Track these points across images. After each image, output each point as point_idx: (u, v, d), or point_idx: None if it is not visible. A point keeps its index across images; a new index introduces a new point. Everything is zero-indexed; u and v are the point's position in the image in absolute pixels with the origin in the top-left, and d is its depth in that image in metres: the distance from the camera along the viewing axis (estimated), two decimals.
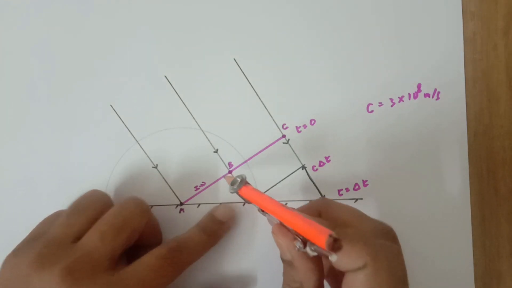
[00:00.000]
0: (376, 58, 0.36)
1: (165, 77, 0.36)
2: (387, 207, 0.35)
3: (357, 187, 0.35)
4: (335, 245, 0.22)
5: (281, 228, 0.27)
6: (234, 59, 0.36)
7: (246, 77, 0.35)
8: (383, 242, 0.24)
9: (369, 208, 0.35)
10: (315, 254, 0.24)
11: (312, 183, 0.35)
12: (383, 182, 0.35)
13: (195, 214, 0.35)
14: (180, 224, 0.35)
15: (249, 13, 0.36)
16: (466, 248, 0.36)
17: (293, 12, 0.35)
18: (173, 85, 0.36)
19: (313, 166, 0.35)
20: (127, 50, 0.36)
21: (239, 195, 0.29)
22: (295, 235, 0.25)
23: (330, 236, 0.22)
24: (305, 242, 0.25)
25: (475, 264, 0.37)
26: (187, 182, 0.35)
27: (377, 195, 0.35)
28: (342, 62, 0.36)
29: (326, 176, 0.35)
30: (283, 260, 0.27)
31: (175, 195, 0.36)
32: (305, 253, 0.25)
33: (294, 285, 0.26)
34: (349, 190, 0.35)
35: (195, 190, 0.35)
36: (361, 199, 0.35)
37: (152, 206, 0.35)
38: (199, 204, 0.35)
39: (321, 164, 0.35)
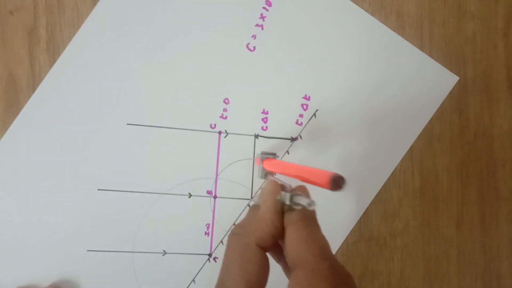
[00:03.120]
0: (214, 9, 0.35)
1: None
2: (341, 97, 0.36)
3: (305, 106, 0.36)
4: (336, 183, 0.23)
5: (275, 180, 0.28)
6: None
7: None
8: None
9: (329, 109, 0.36)
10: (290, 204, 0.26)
11: (276, 139, 0.36)
12: (320, 86, 0.36)
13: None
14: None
15: None
16: None
17: None
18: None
19: (261, 127, 0.35)
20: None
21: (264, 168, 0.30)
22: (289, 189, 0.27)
23: (333, 176, 0.22)
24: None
25: (475, 264, 0.37)
26: (196, 235, 0.35)
27: (325, 96, 0.36)
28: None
29: (278, 124, 0.36)
30: (252, 206, 0.28)
31: (197, 254, 0.35)
32: (278, 206, 0.26)
33: (239, 230, 0.26)
34: (302, 115, 0.36)
35: (208, 236, 0.35)
36: (317, 110, 0.36)
37: (194, 280, 0.35)
38: (222, 241, 0.35)
39: (265, 120, 0.35)
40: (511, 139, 0.37)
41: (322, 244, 0.24)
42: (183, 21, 0.35)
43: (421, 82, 0.36)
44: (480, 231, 0.37)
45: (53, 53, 0.34)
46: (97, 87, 0.34)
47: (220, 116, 0.35)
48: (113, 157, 0.34)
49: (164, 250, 0.35)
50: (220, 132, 0.35)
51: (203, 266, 0.35)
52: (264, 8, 0.35)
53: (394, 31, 0.36)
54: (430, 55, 0.36)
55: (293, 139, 0.36)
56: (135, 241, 0.34)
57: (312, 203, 0.25)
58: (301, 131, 0.36)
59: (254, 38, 0.35)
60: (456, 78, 0.36)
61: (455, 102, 0.37)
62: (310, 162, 0.36)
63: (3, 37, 0.34)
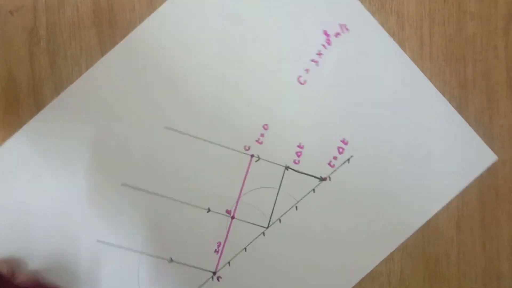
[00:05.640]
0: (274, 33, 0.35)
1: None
2: (378, 149, 0.36)
3: (341, 150, 0.36)
4: None
5: None
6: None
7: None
8: None
9: (363, 158, 0.36)
10: None
11: (305, 175, 0.36)
12: (360, 134, 0.36)
13: (232, 274, 0.35)
14: None
15: None
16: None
17: None
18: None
19: (294, 160, 0.35)
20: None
21: None
22: None
23: None
24: None
25: (475, 264, 0.37)
26: (205, 251, 0.35)
27: (362, 145, 0.36)
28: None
29: (310, 160, 0.35)
30: None
31: (202, 269, 0.35)
32: None
33: None
34: (336, 157, 0.36)
35: (217, 254, 0.35)
36: (352, 156, 0.36)
37: None
38: (229, 262, 0.35)
39: (299, 154, 0.35)
40: (511, 139, 0.37)
41: None
42: (242, 38, 0.35)
43: (459, 152, 0.36)
44: (480, 231, 0.37)
45: (53, 53, 0.34)
46: (143, 86, 0.35)
47: (256, 140, 0.35)
48: (142, 155, 0.35)
49: (171, 258, 0.35)
50: (252, 156, 0.35)
51: (205, 282, 0.35)
52: (323, 45, 0.36)
53: (394, 31, 0.36)
54: (430, 55, 0.36)
55: (321, 179, 0.36)
56: (145, 242, 0.35)
57: None
58: (331, 173, 0.36)
59: (307, 72, 0.35)
60: (494, 158, 0.36)
61: (455, 102, 0.37)
62: (332, 205, 0.36)
63: (3, 37, 0.34)
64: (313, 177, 0.36)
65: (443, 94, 0.36)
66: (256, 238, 0.35)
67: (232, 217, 0.35)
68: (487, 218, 0.37)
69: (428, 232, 0.37)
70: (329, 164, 0.36)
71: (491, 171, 0.37)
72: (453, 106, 0.36)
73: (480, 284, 0.37)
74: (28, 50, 0.34)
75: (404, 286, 0.36)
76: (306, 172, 0.36)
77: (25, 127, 0.34)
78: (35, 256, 0.34)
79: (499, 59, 0.37)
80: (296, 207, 0.35)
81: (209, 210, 0.35)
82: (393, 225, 0.36)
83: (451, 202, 0.37)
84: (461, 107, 0.37)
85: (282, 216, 0.35)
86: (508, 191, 0.37)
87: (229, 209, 0.35)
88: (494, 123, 0.37)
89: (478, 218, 0.37)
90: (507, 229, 0.37)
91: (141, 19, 0.35)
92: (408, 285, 0.37)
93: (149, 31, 0.35)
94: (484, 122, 0.37)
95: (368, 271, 0.36)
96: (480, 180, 0.37)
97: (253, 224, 0.35)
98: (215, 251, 0.35)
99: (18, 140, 0.34)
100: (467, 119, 0.36)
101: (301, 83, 0.36)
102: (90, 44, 0.35)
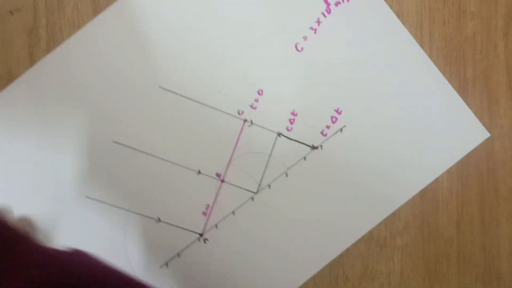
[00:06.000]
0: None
1: None
2: (371, 120, 0.36)
3: (334, 119, 0.36)
4: None
5: None
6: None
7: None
8: None
9: (356, 128, 0.36)
10: None
11: (297, 142, 0.36)
12: (354, 104, 0.36)
13: (219, 237, 0.35)
14: (213, 253, 0.35)
15: None
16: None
17: None
18: None
19: (287, 127, 0.35)
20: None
21: None
22: None
23: None
24: None
25: (475, 264, 0.37)
26: (193, 213, 0.35)
27: (356, 115, 0.36)
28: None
29: (303, 128, 0.36)
30: None
31: (189, 230, 0.35)
32: None
33: None
34: (329, 126, 0.36)
35: (204, 216, 0.35)
36: (345, 126, 0.36)
37: (179, 254, 0.35)
38: (216, 225, 0.35)
39: (292, 121, 0.35)
40: (511, 139, 0.37)
41: None
42: (240, 4, 0.35)
43: (452, 128, 0.36)
44: (480, 231, 0.37)
45: None
46: (138, 46, 0.35)
47: (250, 105, 0.35)
48: (135, 113, 0.35)
49: (158, 217, 0.35)
50: (245, 120, 0.35)
51: (191, 243, 0.35)
52: (322, 14, 0.35)
53: None
54: (430, 55, 0.36)
55: (313, 147, 0.36)
56: (134, 200, 0.35)
57: None
58: (323, 142, 0.36)
59: (305, 40, 0.35)
60: (487, 135, 0.36)
61: None
62: (322, 173, 0.36)
63: (3, 37, 0.34)
64: (305, 145, 0.36)
65: None
66: (244, 202, 0.35)
67: (222, 181, 0.35)
68: (487, 218, 0.37)
69: (428, 232, 0.37)
70: (321, 133, 0.36)
71: (491, 171, 0.37)
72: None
73: (480, 284, 0.37)
74: (28, 50, 0.34)
75: (404, 286, 0.36)
76: (298, 140, 0.36)
77: (21, 77, 0.34)
78: (23, 209, 0.34)
79: (499, 59, 0.37)
80: (287, 174, 0.36)
81: (199, 172, 0.35)
82: (382, 195, 0.36)
83: (451, 202, 0.37)
84: None
85: (272, 182, 0.35)
86: (508, 191, 0.37)
87: (219, 172, 0.35)
88: (494, 123, 0.37)
89: (478, 218, 0.37)
90: (507, 229, 0.37)
91: None
92: (408, 285, 0.37)
93: None
94: (484, 122, 0.37)
95: (352, 242, 0.36)
96: (480, 180, 0.37)
97: (243, 188, 0.35)
98: (203, 213, 0.35)
99: (16, 90, 0.34)
100: None
101: (298, 50, 0.35)
102: None
